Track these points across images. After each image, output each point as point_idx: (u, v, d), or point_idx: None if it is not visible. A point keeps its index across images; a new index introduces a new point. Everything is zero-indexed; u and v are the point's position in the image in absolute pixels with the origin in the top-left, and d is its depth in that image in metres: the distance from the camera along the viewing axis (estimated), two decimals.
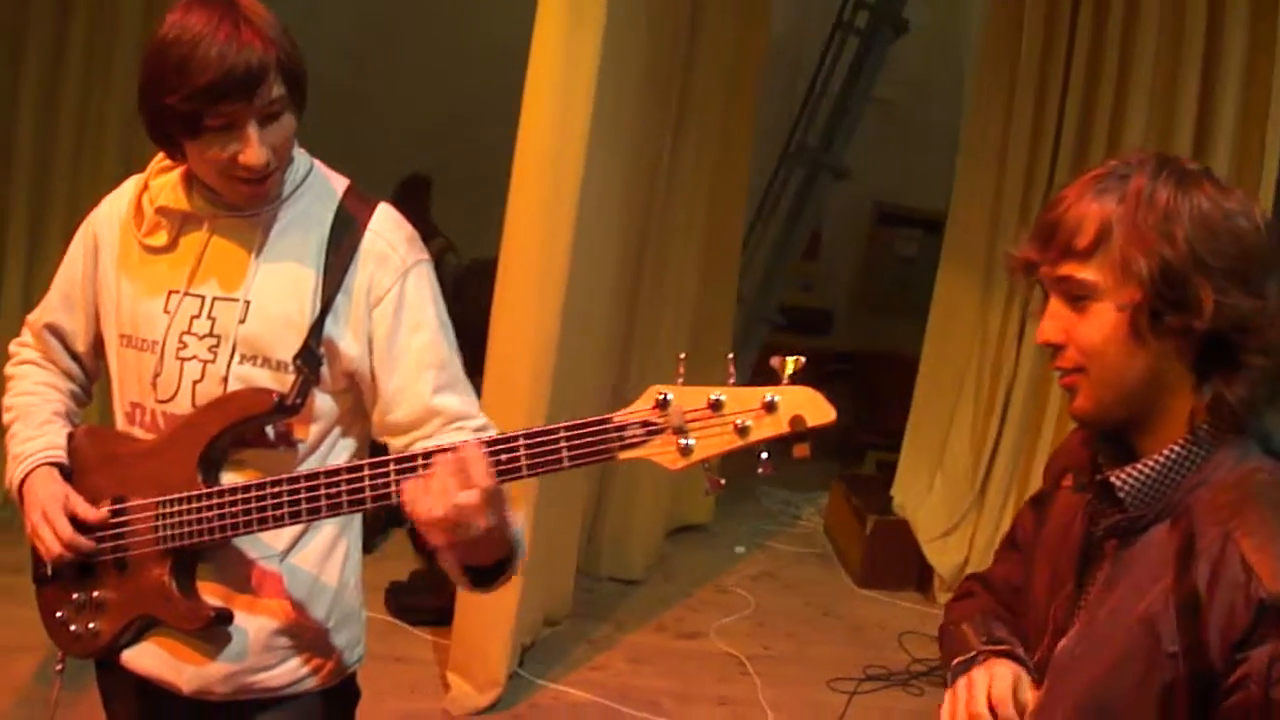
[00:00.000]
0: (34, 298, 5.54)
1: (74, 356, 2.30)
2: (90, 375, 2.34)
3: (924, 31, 7.98)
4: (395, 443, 2.08)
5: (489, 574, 1.90)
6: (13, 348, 2.34)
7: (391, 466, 1.81)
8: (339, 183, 2.14)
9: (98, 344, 2.25)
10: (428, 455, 1.77)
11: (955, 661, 1.87)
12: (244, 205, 2.02)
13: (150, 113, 1.92)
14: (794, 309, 8.44)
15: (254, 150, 1.89)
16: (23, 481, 2.12)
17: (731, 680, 4.97)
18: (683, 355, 1.73)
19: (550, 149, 4.15)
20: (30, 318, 2.33)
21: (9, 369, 2.33)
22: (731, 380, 1.66)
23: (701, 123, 5.87)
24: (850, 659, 5.21)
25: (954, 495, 5.94)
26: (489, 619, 4.47)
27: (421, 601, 5.08)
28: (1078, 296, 1.60)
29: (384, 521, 5.84)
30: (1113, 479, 1.62)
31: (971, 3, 8.47)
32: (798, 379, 1.62)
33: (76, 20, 5.89)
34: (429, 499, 1.70)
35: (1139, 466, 1.61)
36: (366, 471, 1.83)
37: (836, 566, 6.45)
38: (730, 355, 1.71)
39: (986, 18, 5.96)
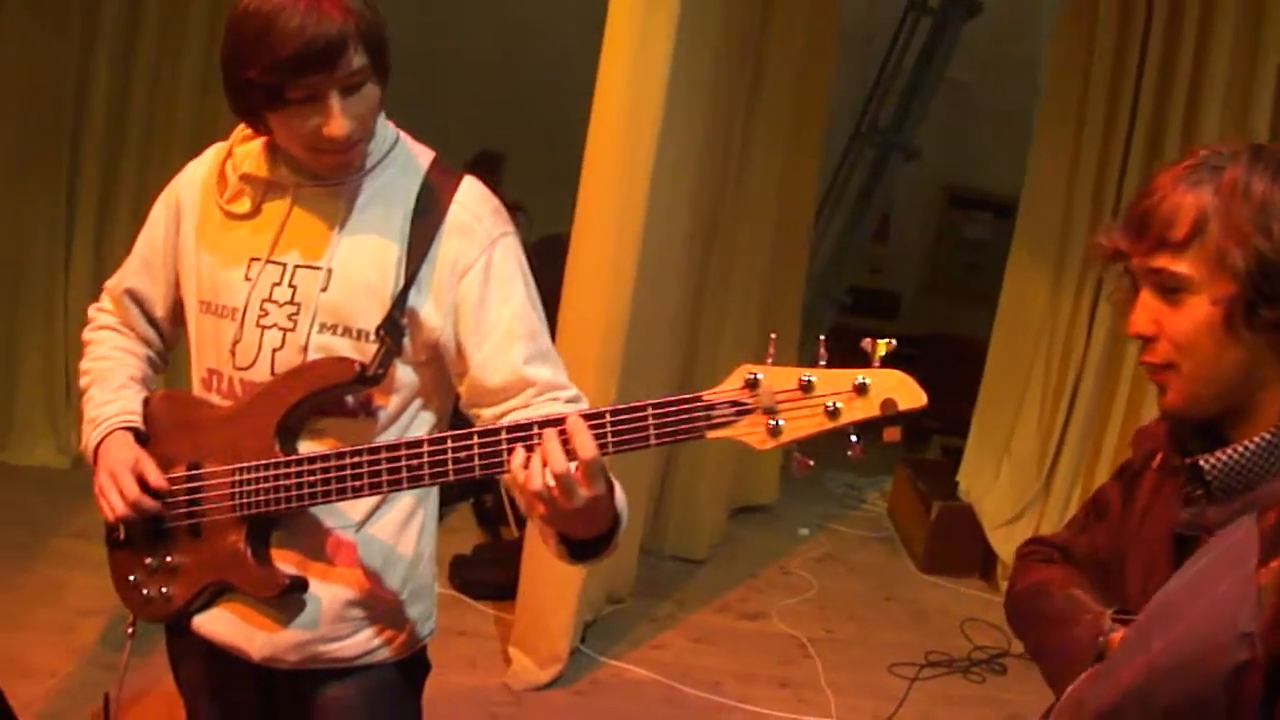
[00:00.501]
0: (105, 264, 5.67)
1: (152, 322, 2.30)
2: (168, 342, 2.36)
3: (996, 12, 7.89)
4: (486, 413, 2.07)
5: (589, 547, 1.91)
6: (91, 312, 2.36)
7: (475, 439, 1.81)
8: (424, 155, 2.13)
9: (176, 310, 2.25)
10: (512, 429, 1.77)
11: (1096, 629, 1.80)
12: (329, 176, 2.02)
13: (232, 86, 1.92)
14: (862, 291, 8.39)
15: (337, 122, 1.89)
16: (97, 446, 2.13)
17: (793, 662, 4.98)
18: (774, 335, 1.69)
19: (625, 125, 4.14)
20: (109, 283, 2.33)
21: (86, 333, 2.33)
22: (823, 362, 1.63)
23: (774, 102, 5.84)
24: (912, 644, 5.20)
25: (1021, 482, 5.89)
26: (553, 595, 4.50)
27: (484, 575, 5.11)
28: (1171, 289, 1.58)
29: (452, 494, 5.87)
30: (1201, 462, 1.60)
31: None
32: (889, 362, 1.60)
33: None
34: (532, 470, 1.72)
35: (1228, 451, 1.59)
36: (449, 443, 1.83)
37: (900, 551, 6.43)
38: (822, 338, 1.68)
39: (1060, 1, 5.88)
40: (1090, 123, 5.55)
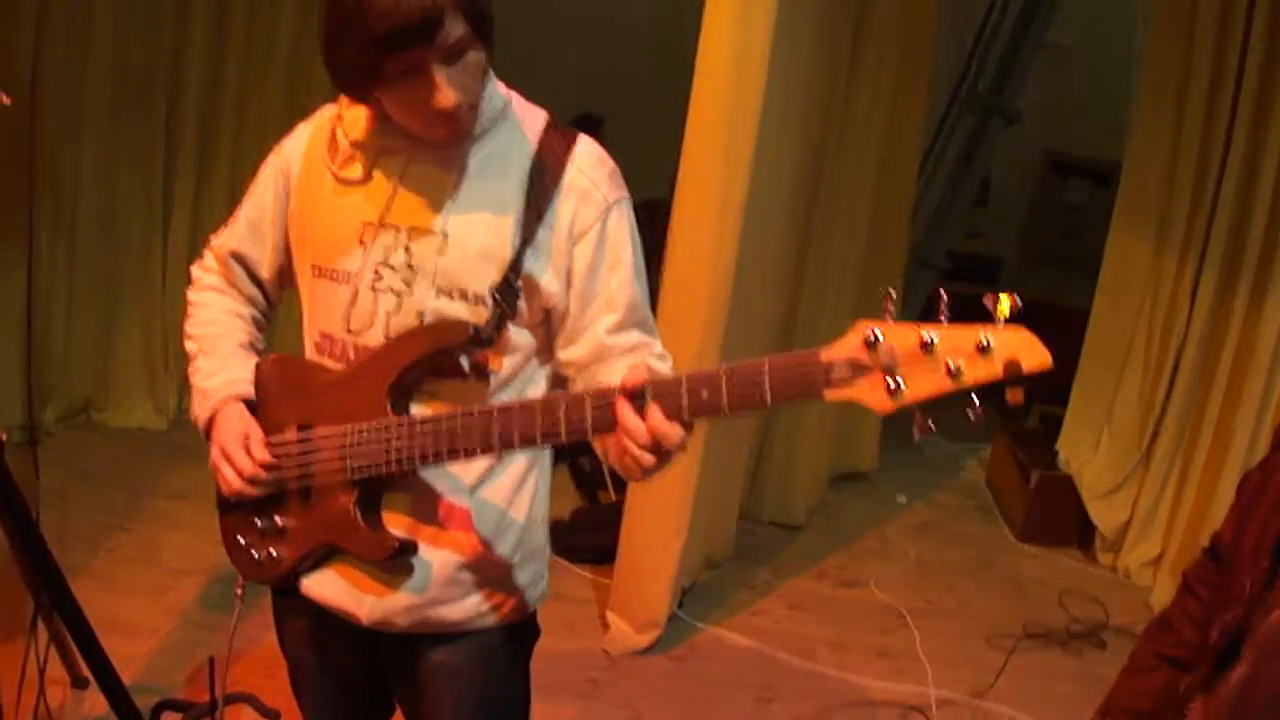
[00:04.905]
0: (203, 223, 5.75)
1: (257, 283, 2.31)
2: (272, 302, 2.36)
3: None
4: (574, 375, 2.10)
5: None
6: (195, 271, 2.36)
7: (588, 400, 1.81)
8: (538, 116, 2.11)
9: (283, 273, 2.26)
10: (625, 390, 1.78)
11: None
12: (445, 143, 2.00)
13: (333, 64, 1.90)
14: (961, 255, 8.33)
15: (443, 93, 1.86)
16: (210, 418, 2.15)
17: (891, 631, 4.98)
18: (891, 291, 1.63)
19: (728, 87, 4.10)
20: (215, 242, 2.32)
21: (191, 294, 2.33)
22: (944, 318, 1.57)
23: (876, 64, 5.79)
24: (1010, 615, 5.18)
25: (1120, 453, 5.84)
26: (652, 560, 4.52)
27: (582, 540, 5.14)
28: None
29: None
30: None
31: None
32: (1012, 319, 1.53)
33: None
34: (638, 437, 1.74)
35: None
36: (562, 404, 1.83)
37: (998, 520, 6.39)
38: (944, 293, 1.59)
39: None
40: (1194, 86, 5.46)
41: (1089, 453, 5.97)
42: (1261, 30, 5.20)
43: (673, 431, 1.73)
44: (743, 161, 4.17)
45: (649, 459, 1.77)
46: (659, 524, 4.47)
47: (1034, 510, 6.08)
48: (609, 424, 1.80)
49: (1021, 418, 7.05)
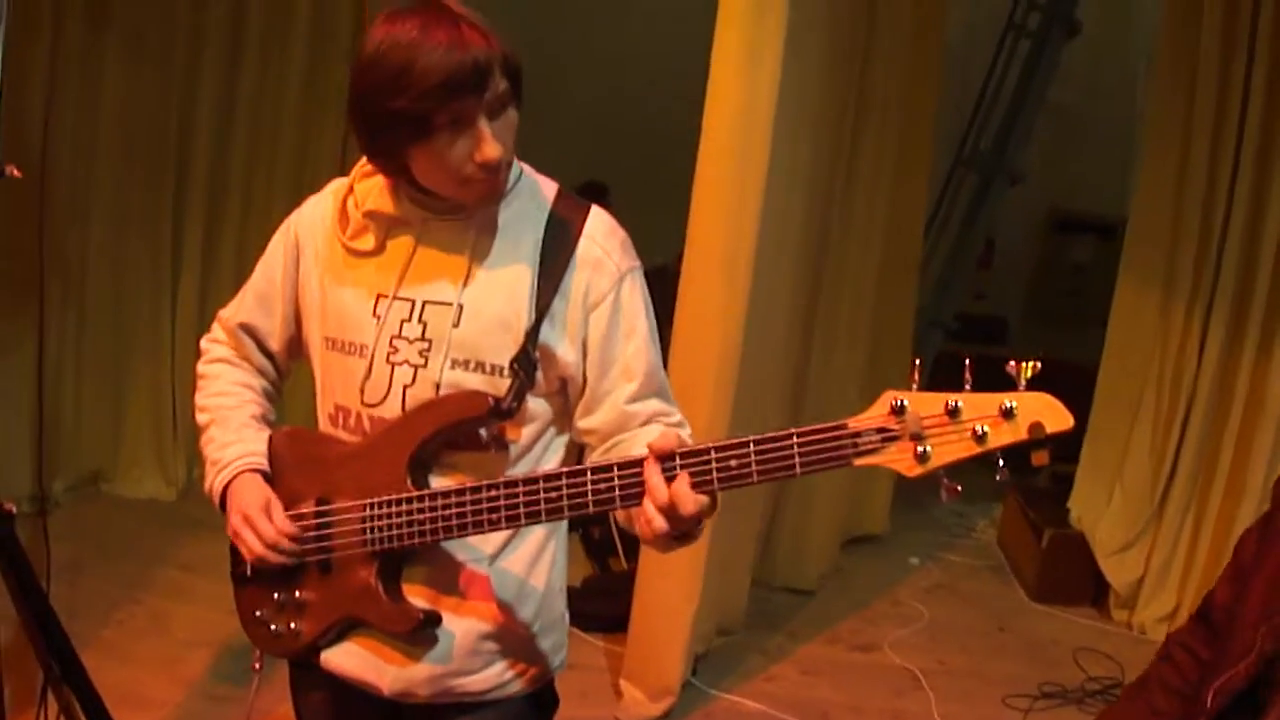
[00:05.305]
0: (210, 296, 5.79)
1: (267, 355, 2.31)
2: (282, 374, 2.36)
3: (1093, 32, 7.82)
4: (594, 444, 2.11)
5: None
6: (204, 344, 2.36)
7: (616, 471, 1.83)
8: (549, 186, 2.13)
9: (292, 344, 2.27)
10: (655, 452, 1.79)
11: None
12: (477, 205, 2.00)
13: (373, 122, 1.91)
14: (967, 316, 8.35)
15: (490, 144, 1.88)
16: (225, 489, 2.14)
17: (906, 694, 4.93)
18: (918, 360, 1.71)
19: (733, 154, 4.14)
20: (224, 314, 2.33)
21: (201, 367, 2.33)
22: (968, 387, 1.64)
23: (879, 129, 5.83)
24: (1025, 675, 5.13)
25: (1133, 509, 5.81)
26: (665, 627, 4.49)
27: (595, 607, 5.11)
28: None
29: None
30: None
31: (1140, 2, 8.29)
32: (1035, 385, 1.60)
33: (251, 26, 6.10)
34: (657, 497, 1.76)
35: None
36: (589, 476, 1.84)
37: (1011, 580, 6.36)
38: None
39: (1163, 21, 5.81)
40: (1197, 139, 5.47)
41: (1101, 509, 5.94)
42: (1261, 82, 5.23)
43: (690, 500, 1.75)
44: (750, 226, 4.19)
45: (662, 523, 1.77)
46: (671, 591, 4.45)
47: (1047, 569, 6.04)
48: (637, 495, 1.81)
49: (1032, 476, 7.03)
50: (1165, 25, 5.77)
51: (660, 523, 1.77)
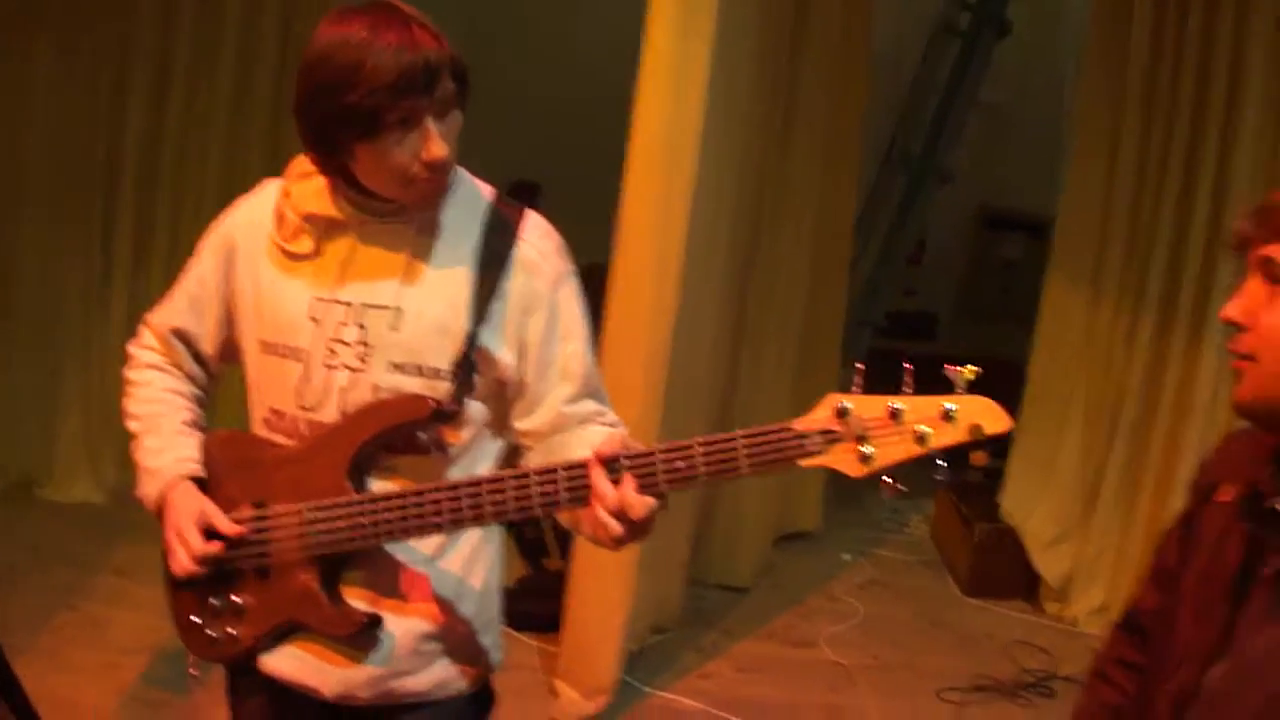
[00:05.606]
0: (141, 301, 5.73)
1: (199, 359, 2.29)
2: (213, 378, 2.34)
3: (1023, 32, 7.88)
4: (532, 445, 2.12)
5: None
6: (132, 350, 2.33)
7: (561, 473, 1.84)
8: (485, 190, 2.14)
9: (225, 348, 2.25)
10: (600, 458, 1.81)
11: None
12: (417, 207, 2.01)
13: (319, 120, 1.92)
14: (898, 314, 8.40)
15: (437, 143, 1.90)
16: (160, 497, 2.13)
17: (841, 690, 4.95)
18: (860, 365, 1.76)
19: (663, 154, 4.15)
20: (152, 320, 2.31)
21: (130, 373, 2.31)
22: (909, 390, 1.70)
23: (809, 128, 5.86)
24: (959, 669, 5.17)
25: (1063, 503, 5.87)
26: (598, 626, 4.49)
27: (529, 607, 5.09)
28: (1276, 277, 1.56)
29: None
30: None
31: (1070, 3, 8.36)
32: (972, 388, 1.66)
33: (181, 30, 6.03)
34: (607, 502, 1.79)
35: None
36: (534, 478, 1.86)
37: (944, 574, 6.39)
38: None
39: (1092, 22, 5.88)
40: (1125, 139, 5.54)
41: (1032, 504, 5.99)
42: (1189, 83, 5.29)
43: (639, 503, 1.78)
44: (679, 225, 4.20)
45: (616, 527, 1.80)
46: (604, 590, 4.44)
47: (979, 563, 6.08)
48: (583, 496, 1.83)
49: (963, 471, 7.09)
50: (1094, 26, 5.83)
51: (615, 527, 1.80)
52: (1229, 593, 1.64)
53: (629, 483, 1.78)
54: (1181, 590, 1.78)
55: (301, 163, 2.09)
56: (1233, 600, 1.63)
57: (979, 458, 1.68)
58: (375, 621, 2.05)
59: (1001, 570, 6.05)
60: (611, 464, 1.80)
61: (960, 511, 6.35)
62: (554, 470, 1.85)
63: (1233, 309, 1.61)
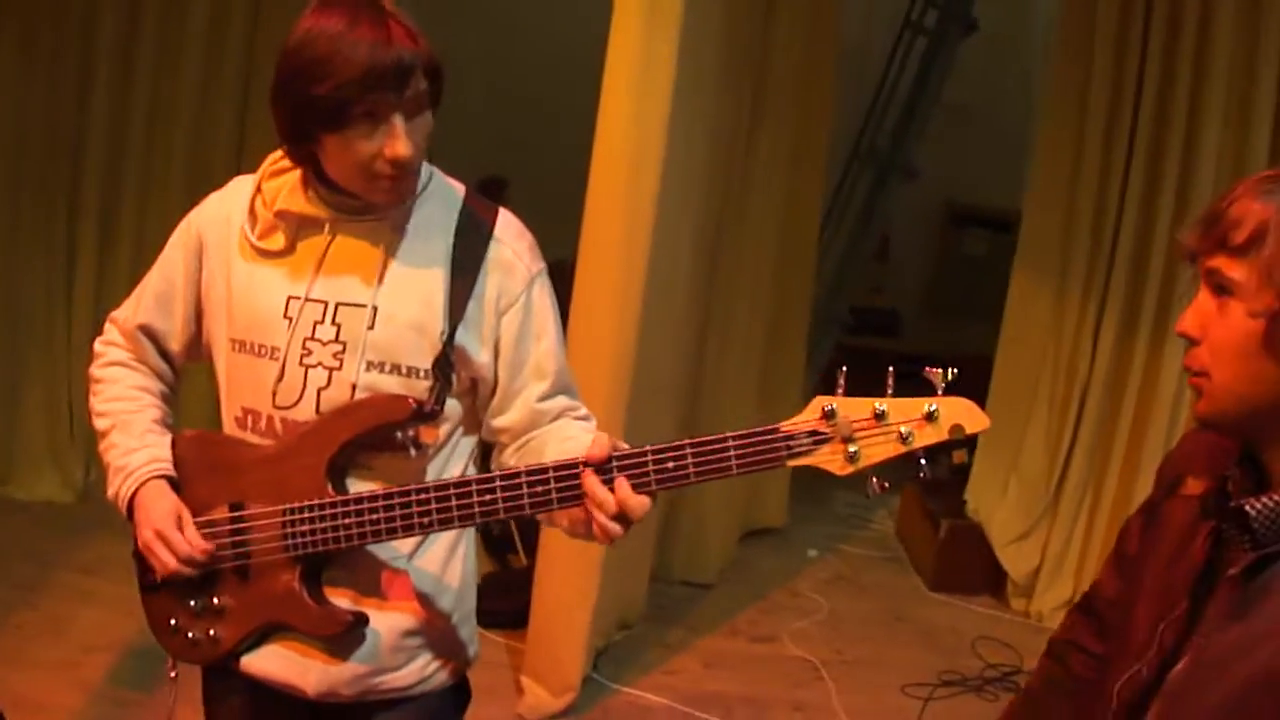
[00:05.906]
0: (106, 297, 5.69)
1: (165, 357, 2.28)
2: (179, 375, 2.33)
3: (990, 30, 7.90)
4: (507, 441, 2.14)
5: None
6: (98, 347, 2.32)
7: (551, 474, 1.85)
8: (458, 188, 2.15)
9: (192, 345, 2.24)
10: (591, 463, 1.83)
11: None
12: (383, 204, 2.02)
13: (290, 108, 1.93)
14: (863, 310, 8.40)
15: (402, 141, 1.90)
16: (132, 497, 2.11)
17: (805, 685, 4.95)
18: (844, 368, 1.80)
19: (628, 151, 4.15)
20: (120, 316, 2.30)
21: (96, 370, 2.30)
22: (890, 391, 1.76)
23: (775, 125, 5.85)
24: (924, 664, 5.17)
25: (1029, 499, 5.88)
26: (564, 623, 4.49)
27: (494, 604, 5.03)
28: (1222, 290, 1.56)
29: None
30: (1247, 507, 1.55)
31: (1037, 1, 8.39)
32: (951, 389, 1.75)
33: (147, 18, 5.96)
34: (607, 508, 1.81)
35: (1275, 495, 1.54)
36: (524, 479, 1.87)
37: (909, 570, 6.40)
38: (891, 369, 1.81)
39: (1058, 20, 5.89)
40: (1090, 136, 5.55)
41: (997, 500, 6.00)
42: (1154, 80, 5.32)
43: (639, 503, 1.80)
44: (644, 222, 4.20)
45: (617, 529, 1.82)
46: (569, 587, 4.44)
47: (945, 559, 6.09)
48: (574, 497, 1.85)
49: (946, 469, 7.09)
50: (1061, 24, 5.84)
51: (616, 529, 1.82)
52: (1190, 589, 1.65)
53: (624, 484, 1.80)
54: (1141, 580, 1.78)
55: (275, 159, 2.10)
56: (1194, 596, 1.64)
57: (960, 456, 1.72)
58: (361, 620, 2.06)
59: (967, 565, 6.06)
60: (603, 467, 1.82)
61: (926, 507, 6.36)
62: (545, 471, 1.86)
63: (1185, 322, 1.61)
